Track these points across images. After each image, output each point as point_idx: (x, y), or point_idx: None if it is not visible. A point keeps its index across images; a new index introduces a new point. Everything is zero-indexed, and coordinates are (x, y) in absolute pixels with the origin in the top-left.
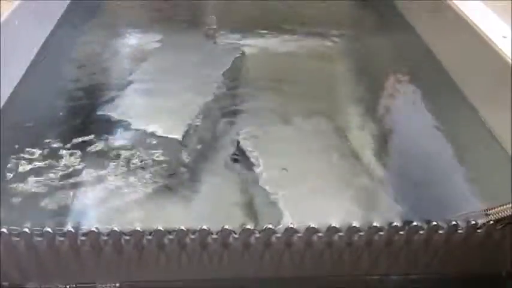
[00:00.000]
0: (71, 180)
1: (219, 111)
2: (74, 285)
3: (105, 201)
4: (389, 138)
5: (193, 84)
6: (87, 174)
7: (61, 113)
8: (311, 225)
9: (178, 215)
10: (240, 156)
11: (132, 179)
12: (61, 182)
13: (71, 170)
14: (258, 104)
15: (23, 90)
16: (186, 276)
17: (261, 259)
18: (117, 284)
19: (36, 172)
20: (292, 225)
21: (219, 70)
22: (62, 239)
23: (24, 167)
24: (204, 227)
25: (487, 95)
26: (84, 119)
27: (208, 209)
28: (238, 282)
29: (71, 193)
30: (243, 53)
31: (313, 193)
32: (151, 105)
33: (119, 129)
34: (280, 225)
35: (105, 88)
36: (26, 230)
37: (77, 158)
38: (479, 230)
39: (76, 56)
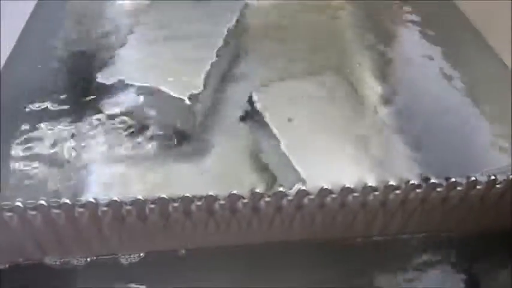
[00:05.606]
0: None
1: (225, 67)
2: (95, 258)
3: (108, 164)
4: (402, 91)
5: (196, 41)
6: (88, 137)
7: (57, 76)
8: (324, 187)
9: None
10: (251, 113)
11: (137, 140)
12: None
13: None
14: (266, 58)
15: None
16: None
17: (271, 224)
18: (142, 254)
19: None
20: (303, 188)
21: (223, 25)
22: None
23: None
24: (211, 193)
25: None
26: (83, 81)
27: (218, 168)
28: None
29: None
30: (247, 5)
31: (327, 150)
32: (155, 64)
33: (119, 90)
34: (293, 188)
35: (102, 48)
36: (43, 202)
37: (77, 120)
38: (498, 186)
39: (67, 16)
